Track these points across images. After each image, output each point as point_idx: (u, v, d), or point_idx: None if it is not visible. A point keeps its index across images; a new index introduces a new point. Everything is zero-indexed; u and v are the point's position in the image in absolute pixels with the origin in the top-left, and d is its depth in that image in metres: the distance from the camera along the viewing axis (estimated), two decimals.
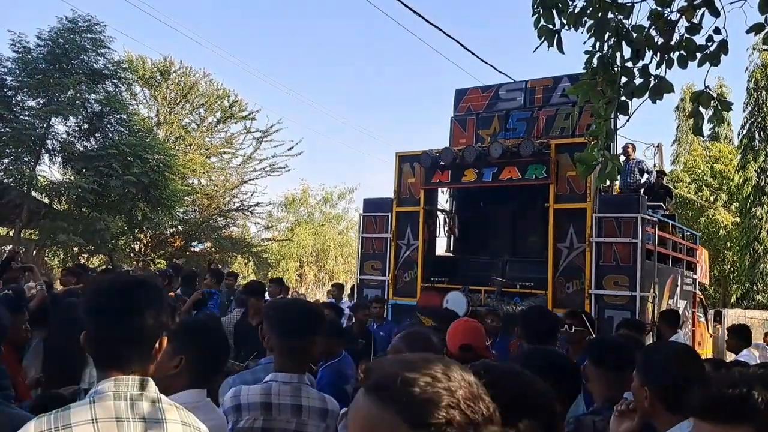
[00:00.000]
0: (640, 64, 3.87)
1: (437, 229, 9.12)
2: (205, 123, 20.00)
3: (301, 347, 2.56)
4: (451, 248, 9.66)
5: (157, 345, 1.68)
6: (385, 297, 8.54)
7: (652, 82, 3.79)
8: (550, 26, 4.03)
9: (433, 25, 10.10)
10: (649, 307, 7.42)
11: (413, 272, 8.60)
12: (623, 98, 3.86)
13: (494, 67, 12.55)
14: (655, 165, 12.28)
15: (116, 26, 33.32)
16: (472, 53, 13.38)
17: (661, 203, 9.68)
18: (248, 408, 2.42)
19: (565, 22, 4.07)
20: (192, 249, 19.08)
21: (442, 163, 8.33)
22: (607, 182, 8.47)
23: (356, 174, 72.01)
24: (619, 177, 7.97)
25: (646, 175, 9.77)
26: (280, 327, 2.57)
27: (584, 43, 4.01)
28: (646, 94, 3.80)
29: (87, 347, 1.67)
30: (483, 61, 12.92)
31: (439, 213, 9.22)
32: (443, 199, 9.44)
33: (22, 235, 13.74)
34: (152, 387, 1.66)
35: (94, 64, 14.42)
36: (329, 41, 63.79)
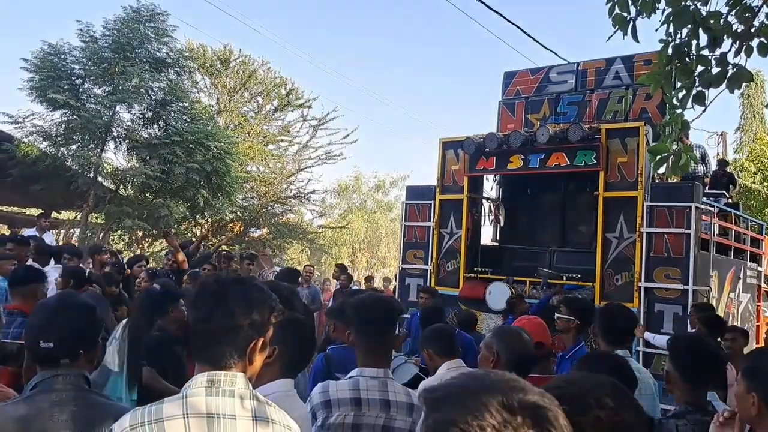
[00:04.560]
0: (718, 52, 3.66)
1: (482, 218, 8.86)
2: (263, 111, 20.16)
3: (384, 344, 2.65)
4: (497, 237, 9.39)
5: (252, 345, 1.69)
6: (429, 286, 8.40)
7: (730, 71, 3.59)
8: (625, 14, 3.84)
9: (496, 11, 9.80)
10: (704, 301, 6.98)
11: (456, 262, 8.40)
12: (699, 88, 3.67)
13: (556, 53, 11.98)
14: (718, 153, 11.53)
15: (177, 14, 34.18)
16: (534, 39, 12.91)
17: (724, 191, 9.08)
18: (338, 404, 2.46)
19: (639, 9, 3.88)
20: (250, 234, 19.45)
21: (486, 149, 8.05)
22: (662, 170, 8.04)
23: (409, 162, 71.80)
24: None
25: (702, 167, 9.08)
26: (364, 325, 2.64)
27: (656, 30, 3.81)
28: (724, 84, 3.61)
29: (190, 341, 1.75)
30: (544, 46, 12.42)
31: (484, 201, 8.96)
32: (489, 186, 9.19)
33: (89, 219, 14.28)
34: (244, 383, 1.67)
35: (157, 53, 14.64)
36: (384, 28, 63.55)
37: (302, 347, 2.41)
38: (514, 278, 7.90)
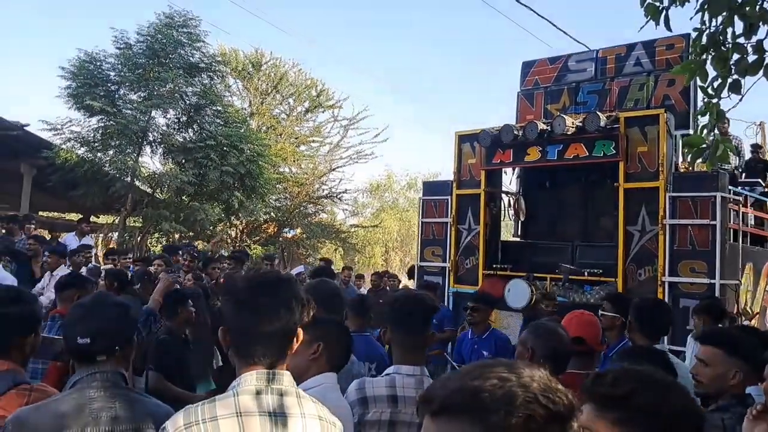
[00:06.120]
0: (754, 39, 3.57)
1: (502, 213, 8.61)
2: (294, 112, 20.33)
3: (420, 342, 2.65)
4: (518, 232, 9.12)
5: (294, 341, 1.75)
6: (445, 284, 8.21)
7: (767, 59, 3.50)
8: (657, 4, 3.76)
9: (524, 5, 9.55)
10: (732, 295, 6.59)
11: (475, 258, 8.15)
12: (735, 76, 3.59)
13: (586, 46, 11.51)
14: (756, 144, 10.95)
15: (208, 19, 34.72)
16: (564, 32, 12.49)
17: (759, 179, 8.59)
18: (375, 401, 2.47)
19: None
20: (284, 235, 19.61)
21: (503, 141, 7.81)
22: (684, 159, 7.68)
23: (441, 159, 71.15)
24: None
25: (736, 159, 8.61)
26: (399, 324, 2.65)
27: (690, 19, 3.70)
28: (761, 72, 3.51)
29: (225, 340, 1.75)
30: (576, 40, 12.04)
31: (504, 195, 8.70)
32: (508, 180, 8.91)
33: (127, 222, 14.60)
34: (290, 380, 1.74)
35: (191, 58, 14.85)
36: (412, 25, 63.27)
37: (345, 342, 2.58)
38: (535, 275, 7.62)
